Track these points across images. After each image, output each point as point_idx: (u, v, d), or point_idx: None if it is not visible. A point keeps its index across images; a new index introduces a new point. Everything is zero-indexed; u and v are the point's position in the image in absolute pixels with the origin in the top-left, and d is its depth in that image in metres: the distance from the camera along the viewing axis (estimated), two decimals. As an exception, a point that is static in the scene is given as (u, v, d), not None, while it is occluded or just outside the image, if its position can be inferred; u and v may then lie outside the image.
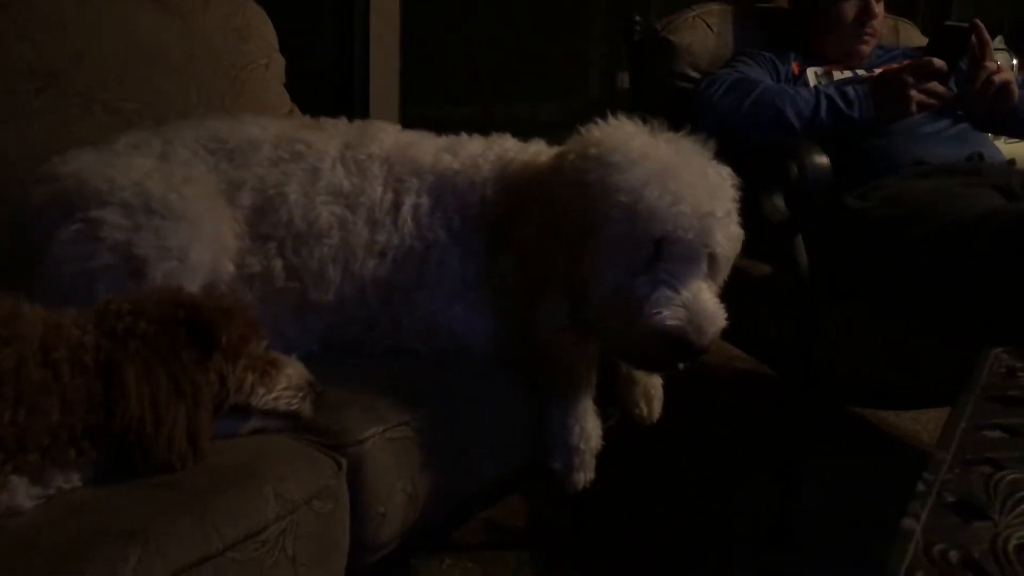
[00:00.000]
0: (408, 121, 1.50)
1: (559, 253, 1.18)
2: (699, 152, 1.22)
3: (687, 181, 1.14)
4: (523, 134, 1.42)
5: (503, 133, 1.40)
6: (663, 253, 1.14)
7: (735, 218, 1.21)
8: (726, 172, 1.22)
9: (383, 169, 1.29)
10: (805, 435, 1.73)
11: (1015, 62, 3.36)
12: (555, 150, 1.32)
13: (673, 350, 1.15)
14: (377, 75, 2.58)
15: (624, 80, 3.63)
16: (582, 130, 1.27)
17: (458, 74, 3.09)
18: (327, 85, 2.55)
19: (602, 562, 1.70)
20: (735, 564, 1.71)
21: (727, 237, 1.19)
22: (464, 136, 1.38)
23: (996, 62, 1.82)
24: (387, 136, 1.33)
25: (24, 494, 0.86)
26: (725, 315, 1.17)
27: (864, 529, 1.73)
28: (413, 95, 2.71)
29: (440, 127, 1.44)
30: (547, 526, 1.82)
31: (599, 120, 1.27)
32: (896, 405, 1.93)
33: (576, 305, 1.20)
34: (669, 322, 1.12)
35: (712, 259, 1.18)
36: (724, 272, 1.24)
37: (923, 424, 2.21)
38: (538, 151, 1.35)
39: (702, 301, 1.15)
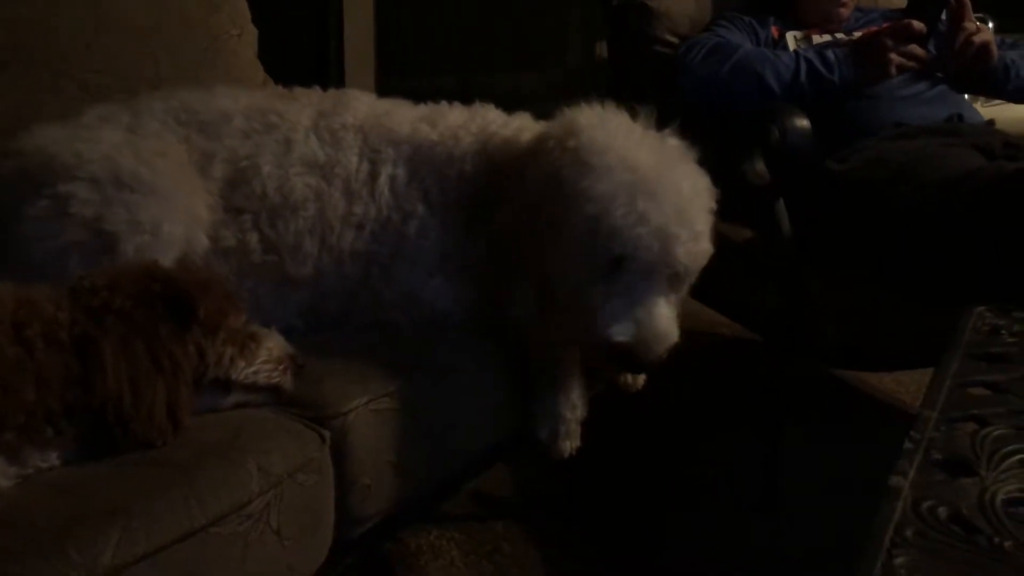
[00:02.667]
0: (385, 92, 1.47)
1: (531, 242, 1.17)
2: (680, 159, 1.20)
3: (659, 197, 1.12)
4: (502, 104, 1.41)
5: (487, 104, 1.38)
6: (623, 267, 1.13)
7: (706, 234, 1.18)
8: (703, 184, 1.20)
9: (358, 139, 1.27)
10: (789, 398, 1.74)
11: (991, 25, 3.37)
12: (538, 128, 1.30)
13: (618, 362, 1.17)
14: (352, 46, 2.55)
15: (603, 49, 3.60)
16: (567, 112, 1.24)
17: (436, 44, 3.06)
18: (301, 56, 2.51)
19: (588, 530, 1.71)
20: (721, 528, 1.72)
21: (692, 256, 1.17)
22: (444, 105, 1.36)
23: (975, 23, 1.81)
24: (361, 105, 1.31)
25: (1, 474, 0.84)
26: (677, 332, 1.18)
27: (847, 489, 1.74)
28: (390, 66, 2.68)
29: (417, 98, 1.42)
30: (533, 495, 1.82)
31: (586, 104, 1.24)
32: (878, 367, 1.94)
33: (543, 293, 1.19)
34: (617, 338, 1.13)
35: (674, 275, 1.18)
36: (688, 284, 1.23)
37: (905, 386, 2.23)
38: (521, 127, 1.32)
39: (655, 318, 1.15)
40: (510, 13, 3.33)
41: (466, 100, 1.40)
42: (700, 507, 1.79)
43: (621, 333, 1.13)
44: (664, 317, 1.16)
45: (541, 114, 1.76)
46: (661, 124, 2.02)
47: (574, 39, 3.72)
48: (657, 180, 1.13)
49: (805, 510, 1.73)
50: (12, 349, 0.86)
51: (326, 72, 2.54)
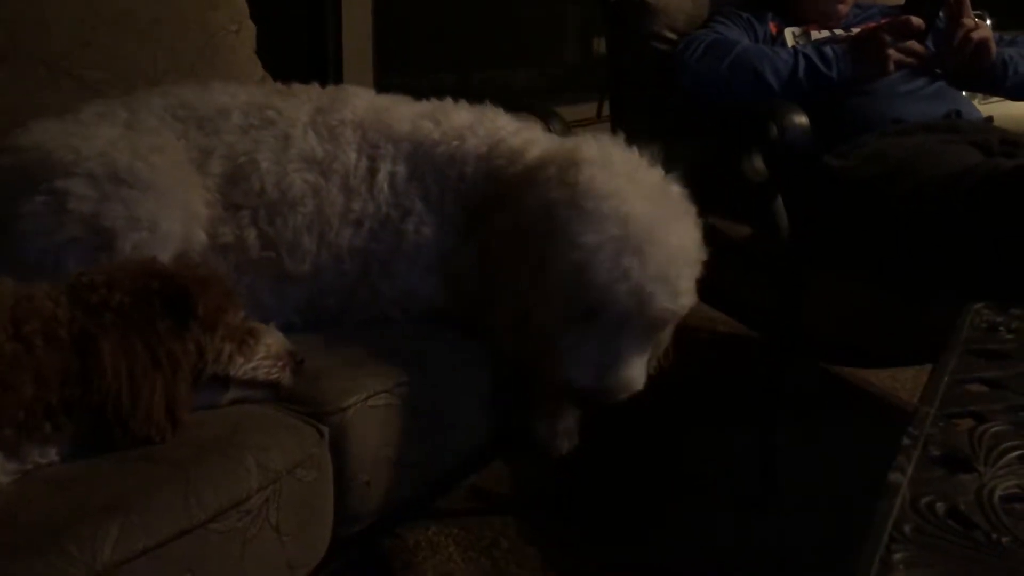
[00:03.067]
0: (383, 89, 1.47)
1: (515, 266, 1.17)
2: (676, 213, 1.19)
3: (645, 255, 1.11)
4: (500, 101, 1.40)
5: (496, 107, 1.36)
6: (598, 315, 1.14)
7: (689, 291, 1.18)
8: (695, 240, 1.19)
9: (356, 135, 1.26)
10: (786, 395, 1.74)
11: (989, 22, 3.37)
12: (546, 142, 1.30)
13: (577, 402, 1.19)
14: (350, 42, 2.55)
15: (601, 46, 3.60)
16: (574, 140, 1.23)
17: (433, 41, 3.05)
18: (299, 52, 2.51)
19: (586, 526, 1.71)
20: (718, 524, 1.72)
21: (670, 313, 1.18)
22: (449, 103, 1.35)
23: (974, 19, 1.82)
24: (360, 101, 1.31)
25: (0, 469, 0.84)
26: (644, 379, 1.18)
27: (845, 486, 1.75)
28: (387, 63, 2.67)
29: (415, 95, 1.41)
30: (531, 492, 1.83)
31: (595, 137, 1.25)
32: (876, 364, 1.94)
33: (517, 315, 1.19)
34: (579, 382, 1.15)
35: (650, 326, 1.18)
36: (667, 331, 1.24)
37: (901, 382, 2.23)
38: (530, 139, 1.31)
39: (622, 366, 1.15)
40: (508, 11, 3.33)
41: (464, 97, 1.39)
42: (698, 504, 1.79)
43: (584, 378, 1.15)
44: (632, 366, 1.16)
45: (541, 111, 1.77)
46: (659, 121, 2.05)
47: (571, 36, 3.72)
48: (647, 236, 1.12)
49: (804, 507, 1.74)
50: (11, 345, 0.86)
51: (324, 69, 2.54)
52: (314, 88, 1.35)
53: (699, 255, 1.19)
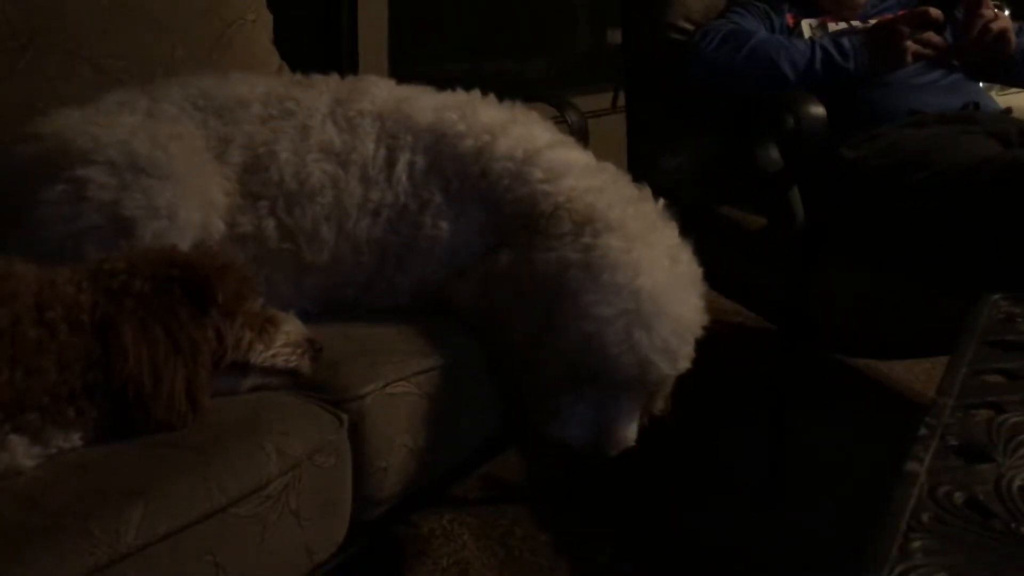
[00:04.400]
0: (397, 78, 1.47)
1: (525, 319, 1.17)
2: (686, 284, 1.20)
3: (653, 330, 1.13)
4: (513, 90, 1.40)
5: (526, 109, 1.35)
6: (599, 379, 1.15)
7: (688, 359, 1.20)
8: (699, 313, 1.20)
9: (375, 125, 1.26)
10: (799, 385, 1.74)
11: (1007, 13, 3.34)
12: (584, 160, 1.30)
13: (568, 455, 1.20)
14: (366, 32, 2.55)
15: (614, 36, 3.58)
16: (592, 193, 1.22)
17: (446, 31, 3.05)
18: (314, 42, 2.51)
19: (598, 513, 1.72)
20: (729, 512, 1.73)
21: (668, 379, 1.21)
22: (477, 97, 1.34)
23: (993, 10, 1.80)
24: (380, 91, 1.30)
25: (24, 453, 0.85)
26: (636, 435, 1.20)
27: (857, 477, 1.75)
28: (402, 52, 2.67)
29: (426, 82, 1.40)
30: (545, 480, 1.83)
31: (614, 181, 1.27)
32: (891, 355, 1.94)
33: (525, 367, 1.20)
34: (576, 442, 1.18)
35: (649, 389, 1.21)
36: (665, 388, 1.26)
37: (915, 374, 2.22)
38: (569, 161, 1.28)
39: (616, 426, 1.18)
40: (520, 1, 3.32)
41: (477, 86, 1.38)
42: (709, 494, 1.79)
43: (580, 438, 1.18)
44: (627, 426, 1.19)
45: (554, 100, 1.76)
46: (673, 112, 2.04)
47: (584, 25, 3.71)
48: (656, 309, 1.13)
49: (815, 499, 1.74)
50: (35, 331, 0.87)
51: (339, 57, 2.54)
52: (333, 79, 1.35)
53: (702, 323, 1.21)
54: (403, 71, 2.56)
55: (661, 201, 1.28)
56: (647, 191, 1.29)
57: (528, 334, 1.16)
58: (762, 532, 1.66)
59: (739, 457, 1.90)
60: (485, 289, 1.19)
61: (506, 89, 1.40)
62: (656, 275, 1.15)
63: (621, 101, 2.35)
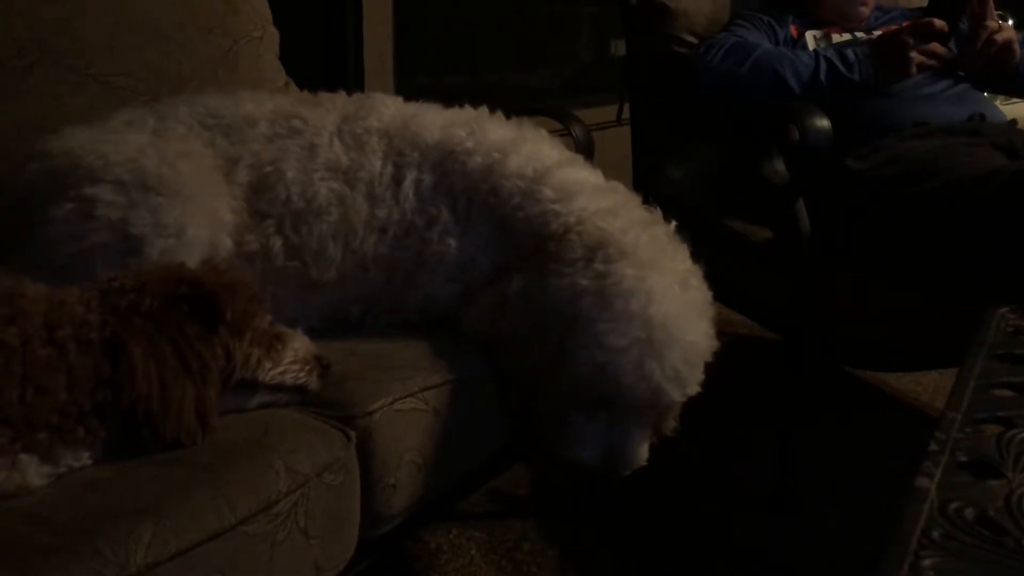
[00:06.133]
0: (402, 90, 1.47)
1: (537, 344, 1.17)
2: (698, 306, 1.20)
3: (665, 359, 1.13)
4: (516, 102, 1.40)
5: (533, 127, 1.35)
6: (610, 403, 1.16)
7: (697, 385, 1.20)
8: (709, 334, 1.21)
9: (382, 143, 1.27)
10: (806, 397, 1.74)
11: (1011, 22, 3.35)
12: (593, 180, 1.30)
13: (579, 474, 1.21)
14: (371, 45, 2.55)
15: (616, 47, 3.60)
16: (608, 214, 1.22)
17: (449, 43, 3.06)
18: (320, 54, 2.52)
19: (604, 528, 1.71)
20: (737, 526, 1.72)
21: (677, 404, 1.21)
22: (484, 114, 1.34)
23: (997, 21, 1.81)
24: (387, 109, 1.31)
25: (34, 472, 0.85)
26: (647, 454, 1.22)
27: (866, 490, 1.74)
28: (405, 65, 2.68)
29: (430, 94, 1.41)
30: (552, 494, 1.83)
31: (625, 204, 1.27)
32: (898, 367, 1.94)
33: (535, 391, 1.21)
34: (587, 462, 1.19)
35: (659, 412, 1.22)
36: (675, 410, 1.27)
37: (923, 386, 2.22)
38: (579, 181, 1.28)
39: (628, 446, 1.19)
40: (523, 12, 3.33)
41: (479, 98, 1.39)
42: (717, 505, 1.79)
43: (592, 459, 1.18)
44: (637, 446, 1.20)
45: (556, 112, 1.76)
46: (677, 124, 2.05)
47: (587, 37, 3.72)
48: (668, 338, 1.14)
49: (824, 508, 1.73)
50: (44, 350, 0.87)
51: (344, 70, 2.54)
52: (340, 96, 1.35)
53: (712, 348, 1.21)
54: (408, 82, 2.58)
55: (672, 224, 1.28)
56: (658, 214, 1.29)
57: (541, 360, 1.16)
58: (771, 544, 1.66)
59: (747, 470, 1.89)
60: (497, 316, 1.19)
61: (510, 101, 1.40)
62: (668, 303, 1.15)
63: (626, 113, 2.36)
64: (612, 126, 2.81)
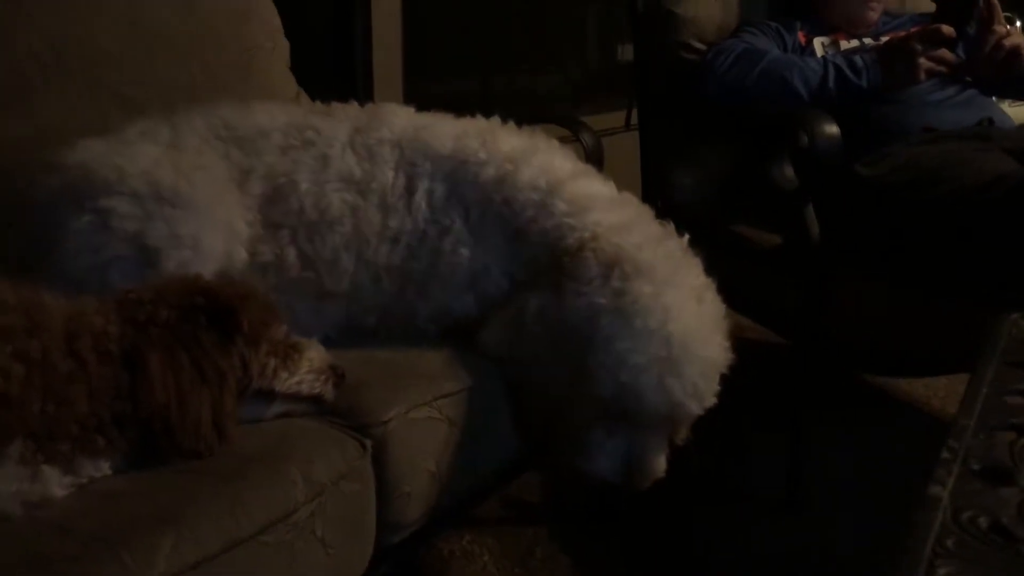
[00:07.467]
0: (411, 95, 1.47)
1: (557, 363, 1.18)
2: (714, 322, 1.21)
3: (684, 376, 1.14)
4: (526, 108, 1.40)
5: (546, 137, 1.36)
6: (630, 417, 1.17)
7: (715, 392, 1.21)
8: (725, 348, 1.22)
9: (394, 153, 1.27)
10: (817, 402, 1.74)
11: (1018, 24, 3.35)
12: (606, 193, 1.31)
13: (599, 487, 1.21)
14: (380, 49, 2.56)
15: (623, 52, 3.60)
16: (623, 230, 1.23)
17: (456, 47, 3.07)
18: (328, 58, 2.52)
19: (615, 534, 1.72)
20: (748, 531, 1.72)
21: (693, 417, 1.22)
22: (496, 124, 1.35)
23: (1005, 26, 1.81)
24: (399, 119, 1.31)
25: (56, 483, 0.86)
26: (665, 465, 1.22)
27: (877, 495, 1.74)
28: (416, 69, 2.68)
29: (439, 100, 1.41)
30: (564, 501, 1.83)
31: (638, 218, 1.28)
32: (909, 372, 1.94)
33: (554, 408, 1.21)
34: (607, 476, 1.19)
35: (676, 425, 1.23)
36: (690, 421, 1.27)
37: (934, 390, 2.22)
38: (591, 195, 1.28)
39: (648, 458, 1.20)
40: (530, 16, 3.33)
41: (488, 102, 1.39)
42: (729, 511, 1.79)
43: (612, 473, 1.19)
44: (656, 459, 1.21)
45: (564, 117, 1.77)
46: (686, 131, 2.05)
47: (593, 42, 3.72)
48: (686, 355, 1.15)
49: (833, 512, 1.73)
50: (65, 362, 0.88)
51: (353, 74, 2.54)
52: (352, 107, 1.36)
53: (727, 362, 1.22)
54: (417, 88, 2.59)
55: (686, 237, 1.28)
56: (671, 227, 1.30)
57: (561, 378, 1.17)
58: (780, 550, 1.66)
59: (757, 475, 1.90)
60: (514, 335, 1.20)
61: (518, 106, 1.40)
62: (685, 319, 1.16)
63: (634, 119, 2.36)
64: (620, 131, 2.82)
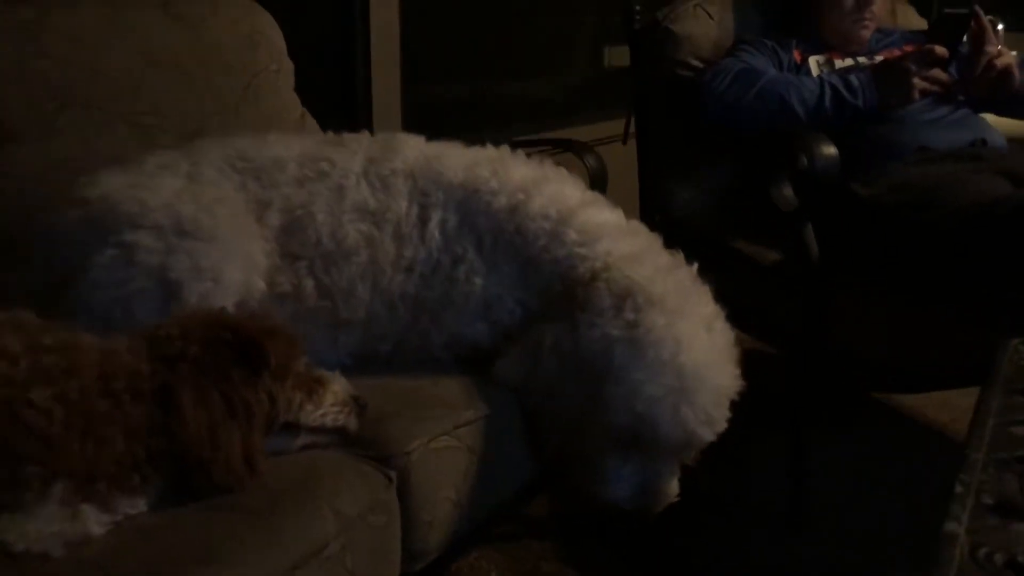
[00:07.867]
0: (406, 101, 1.45)
1: (573, 394, 1.20)
2: (724, 351, 1.25)
3: (697, 405, 1.18)
4: (511, 112, 1.41)
5: (555, 166, 1.38)
6: (644, 444, 1.19)
7: (726, 418, 1.24)
8: (736, 376, 1.25)
9: (407, 184, 1.30)
10: (816, 417, 1.77)
11: (1001, 27, 3.39)
12: (614, 220, 1.33)
13: (616, 514, 1.24)
14: (378, 55, 2.56)
15: (610, 57, 3.61)
16: (634, 261, 1.25)
17: (447, 54, 3.08)
18: (329, 66, 2.52)
19: (621, 548, 1.74)
20: (750, 546, 1.76)
21: (709, 440, 1.24)
22: (505, 153, 1.37)
23: (996, 46, 1.85)
24: (411, 150, 1.34)
25: (95, 521, 0.88)
26: (677, 491, 1.26)
27: (879, 509, 1.78)
28: (413, 75, 2.68)
29: (431, 106, 1.42)
30: (570, 516, 1.86)
31: (649, 248, 1.30)
32: (906, 388, 1.97)
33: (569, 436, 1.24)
34: (624, 503, 1.23)
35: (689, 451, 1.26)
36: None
37: (930, 401, 2.25)
38: (601, 223, 1.31)
39: (660, 483, 1.23)
40: (519, 23, 3.33)
41: (478, 110, 1.40)
42: (732, 528, 1.82)
43: (627, 500, 1.22)
44: (669, 483, 1.24)
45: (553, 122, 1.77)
46: (685, 147, 2.08)
47: (581, 48, 3.73)
48: (699, 384, 1.18)
49: (834, 526, 1.77)
50: (102, 402, 0.90)
51: (353, 81, 2.54)
52: (365, 136, 1.38)
53: (738, 388, 1.25)
54: (411, 94, 2.59)
55: (695, 265, 1.31)
56: (680, 257, 1.33)
57: (576, 408, 1.20)
58: (785, 564, 1.69)
59: (761, 489, 1.92)
60: (530, 367, 1.23)
61: (507, 110, 1.41)
62: (696, 349, 1.19)
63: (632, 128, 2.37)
64: (616, 140, 2.83)
